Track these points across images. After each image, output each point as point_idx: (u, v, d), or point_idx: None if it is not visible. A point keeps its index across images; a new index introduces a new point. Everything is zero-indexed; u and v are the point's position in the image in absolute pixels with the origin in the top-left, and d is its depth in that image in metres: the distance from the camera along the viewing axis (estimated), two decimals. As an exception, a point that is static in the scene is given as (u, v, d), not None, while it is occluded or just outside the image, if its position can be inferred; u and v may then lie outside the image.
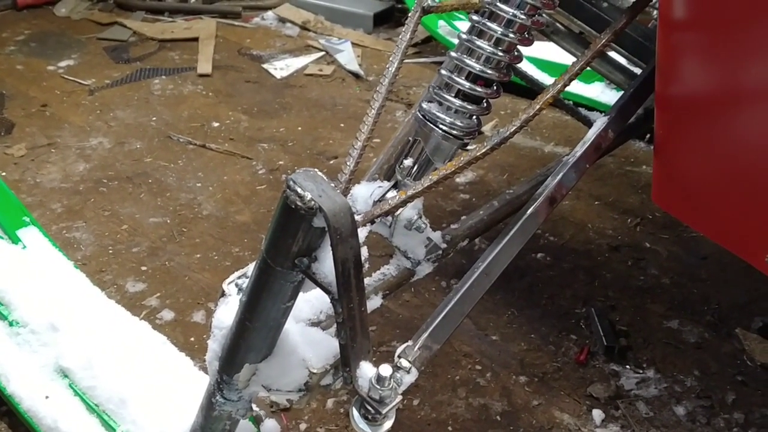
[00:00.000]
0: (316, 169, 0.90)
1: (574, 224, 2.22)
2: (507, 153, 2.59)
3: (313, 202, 0.85)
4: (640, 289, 1.96)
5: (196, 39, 3.50)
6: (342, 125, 2.81)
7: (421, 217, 1.24)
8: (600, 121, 1.29)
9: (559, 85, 1.22)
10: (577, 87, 2.56)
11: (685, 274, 2.00)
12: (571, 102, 1.99)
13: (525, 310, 1.90)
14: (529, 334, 1.83)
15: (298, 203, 0.85)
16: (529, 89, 1.72)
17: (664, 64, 1.22)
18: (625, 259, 2.07)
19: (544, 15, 1.18)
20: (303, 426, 1.56)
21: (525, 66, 2.74)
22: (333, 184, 0.89)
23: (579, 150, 1.25)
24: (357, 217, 1.13)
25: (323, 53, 3.43)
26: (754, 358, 1.72)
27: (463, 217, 1.35)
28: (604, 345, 1.74)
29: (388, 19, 3.84)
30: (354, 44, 3.52)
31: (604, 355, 1.74)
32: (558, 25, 1.70)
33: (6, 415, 1.54)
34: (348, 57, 3.38)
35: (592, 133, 1.27)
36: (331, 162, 2.56)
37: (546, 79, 2.67)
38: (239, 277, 1.11)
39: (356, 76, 3.24)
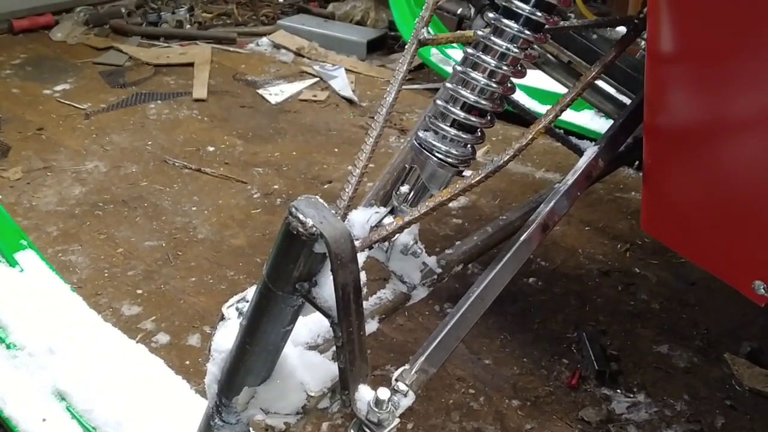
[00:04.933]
0: (317, 196, 0.93)
1: (565, 249, 2.26)
2: (499, 178, 2.63)
3: (314, 229, 0.87)
4: (631, 313, 1.99)
5: (191, 64, 3.54)
6: (336, 150, 2.85)
7: (417, 243, 1.26)
8: (590, 150, 1.33)
9: (551, 116, 1.25)
10: (567, 114, 2.60)
11: (675, 299, 2.04)
12: (561, 129, 2.03)
13: (517, 335, 1.92)
14: (521, 358, 1.85)
15: (300, 229, 0.88)
16: (520, 116, 1.76)
17: (652, 95, 1.26)
18: (616, 284, 2.10)
19: (536, 48, 1.22)
20: (299, 450, 1.57)
21: (516, 94, 2.79)
22: (333, 211, 0.92)
23: (570, 178, 1.28)
24: (356, 243, 1.16)
25: (317, 79, 3.48)
26: (743, 382, 1.75)
27: (458, 243, 1.38)
28: (595, 369, 1.77)
29: (382, 46, 3.89)
30: (348, 70, 3.57)
31: (595, 379, 1.76)
32: (549, 56, 1.74)
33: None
34: (342, 83, 3.43)
35: (582, 162, 1.30)
36: (326, 186, 2.59)
37: (537, 106, 2.72)
38: (239, 301, 1.13)
39: (350, 101, 3.28)
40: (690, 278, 2.10)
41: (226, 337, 1.10)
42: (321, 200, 0.92)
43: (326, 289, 0.93)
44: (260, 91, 3.32)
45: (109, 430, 1.36)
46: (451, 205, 2.48)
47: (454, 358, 1.82)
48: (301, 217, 0.88)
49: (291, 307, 0.98)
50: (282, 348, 1.05)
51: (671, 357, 1.84)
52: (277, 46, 3.81)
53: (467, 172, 1.29)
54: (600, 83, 1.75)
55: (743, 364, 1.79)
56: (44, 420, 1.41)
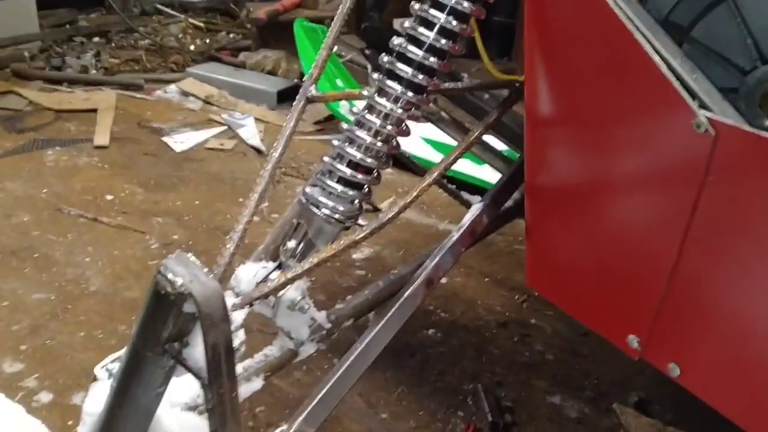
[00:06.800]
0: (189, 254, 0.92)
1: (465, 301, 2.29)
2: (402, 229, 2.66)
3: (183, 288, 0.86)
4: (526, 365, 2.03)
5: (95, 110, 3.46)
6: (241, 200, 2.82)
7: (304, 298, 1.26)
8: (475, 208, 1.36)
9: (436, 174, 1.28)
10: (469, 168, 2.67)
11: (568, 350, 2.09)
12: (465, 182, 2.08)
13: (415, 387, 1.93)
14: (418, 411, 1.85)
15: (169, 289, 0.86)
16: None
17: (531, 155, 1.31)
18: (512, 336, 2.14)
19: (422, 109, 1.25)
20: None
21: (418, 144, 2.85)
22: (206, 269, 0.91)
23: (455, 235, 1.32)
24: (236, 300, 1.15)
25: (225, 128, 3.46)
26: None
27: (349, 297, 1.38)
28: (489, 421, 1.78)
29: (292, 96, 3.89)
30: (257, 120, 3.57)
31: (489, 431, 1.78)
32: (442, 113, 1.79)
33: None
34: (250, 132, 3.42)
35: (467, 220, 1.34)
36: (228, 236, 2.55)
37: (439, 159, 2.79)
38: (112, 362, 1.09)
39: (258, 151, 3.27)
40: (583, 329, 2.16)
41: (97, 399, 1.06)
42: (193, 258, 0.91)
43: (198, 349, 0.91)
44: (165, 139, 3.27)
45: (-27, 501, 1.28)
46: (354, 256, 2.50)
47: (350, 412, 1.80)
48: (170, 275, 0.86)
49: (162, 369, 0.95)
50: (155, 410, 1.02)
51: (563, 408, 1.88)
52: (185, 94, 3.78)
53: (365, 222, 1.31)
54: (491, 140, 1.80)
55: (631, 414, 1.84)
56: None
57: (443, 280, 2.34)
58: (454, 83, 1.43)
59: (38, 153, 3.05)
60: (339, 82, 3.17)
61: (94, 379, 1.09)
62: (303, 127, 3.30)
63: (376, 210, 2.81)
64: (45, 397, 1.77)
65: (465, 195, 1.64)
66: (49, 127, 3.31)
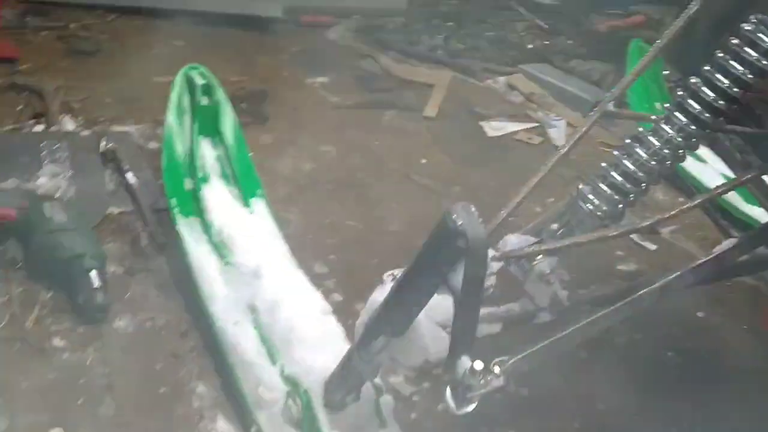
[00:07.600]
0: (471, 205, 1.22)
1: (716, 339, 2.33)
2: (676, 256, 2.73)
3: (461, 228, 1.17)
4: (762, 414, 2.04)
5: (431, 85, 3.95)
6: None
7: (553, 273, 1.51)
8: (727, 242, 1.48)
9: (699, 199, 1.44)
10: (741, 204, 2.57)
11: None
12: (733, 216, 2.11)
13: (640, 394, 2.06)
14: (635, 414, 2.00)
15: (451, 225, 1.18)
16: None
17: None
18: (751, 383, 2.15)
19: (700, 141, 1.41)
20: (413, 415, 1.87)
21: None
22: (481, 220, 1.21)
23: (701, 260, 1.45)
24: (497, 253, 1.44)
25: (537, 125, 3.72)
26: None
27: (592, 287, 1.60)
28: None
29: (608, 109, 4.05)
30: (569, 124, 3.78)
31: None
32: (727, 143, 1.86)
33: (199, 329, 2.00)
34: (558, 134, 3.65)
35: (718, 249, 1.47)
36: (509, 219, 2.85)
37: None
38: (397, 272, 1.45)
39: (560, 152, 3.50)
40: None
41: (380, 295, 1.43)
42: (474, 209, 1.21)
43: (459, 276, 1.22)
44: (482, 123, 3.64)
45: (279, 345, 1.76)
46: (620, 267, 2.65)
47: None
48: (454, 216, 1.18)
49: (431, 284, 1.27)
50: (417, 314, 1.35)
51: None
52: (511, 87, 4.11)
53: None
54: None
55: None
56: (235, 323, 1.84)
57: (699, 314, 2.43)
58: (743, 127, 1.54)
59: (378, 112, 3.61)
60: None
61: (382, 282, 1.46)
62: (609, 139, 3.45)
63: (655, 233, 2.89)
64: (337, 297, 2.24)
65: (724, 223, 1.73)
66: (391, 92, 3.86)
